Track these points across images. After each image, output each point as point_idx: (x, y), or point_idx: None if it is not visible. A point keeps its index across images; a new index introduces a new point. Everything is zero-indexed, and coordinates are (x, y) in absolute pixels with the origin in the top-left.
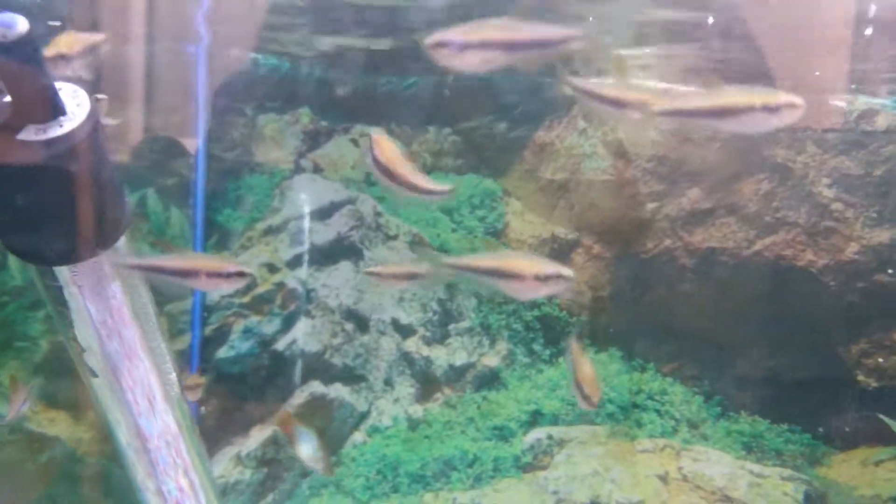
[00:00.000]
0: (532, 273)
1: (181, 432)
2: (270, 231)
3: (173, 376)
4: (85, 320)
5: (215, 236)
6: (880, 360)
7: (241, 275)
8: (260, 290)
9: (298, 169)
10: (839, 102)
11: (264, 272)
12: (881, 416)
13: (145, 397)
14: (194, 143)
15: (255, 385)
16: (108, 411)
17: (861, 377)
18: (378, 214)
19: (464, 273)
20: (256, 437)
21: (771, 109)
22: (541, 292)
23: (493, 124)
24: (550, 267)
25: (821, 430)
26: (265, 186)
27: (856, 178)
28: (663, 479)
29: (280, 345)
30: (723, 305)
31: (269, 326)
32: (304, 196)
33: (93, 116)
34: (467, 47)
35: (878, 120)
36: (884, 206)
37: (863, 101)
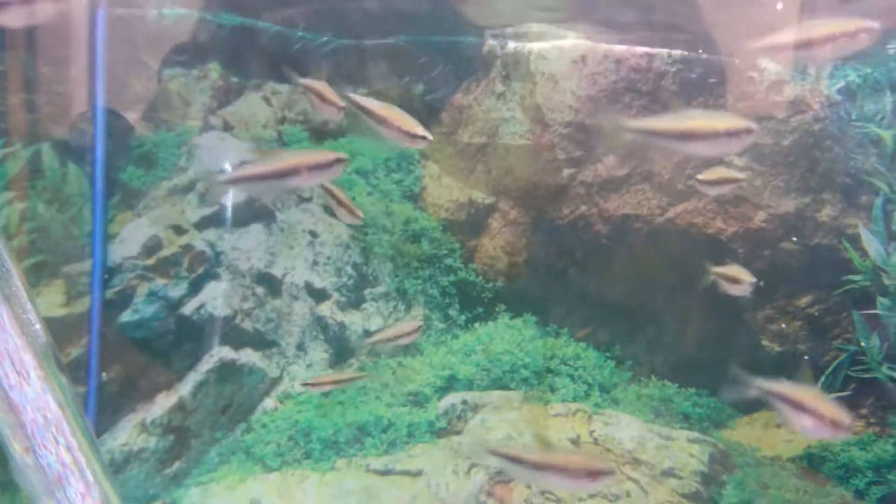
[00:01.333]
0: None
1: (63, 412)
2: (177, 191)
3: (45, 344)
4: None
5: (118, 195)
6: (784, 325)
7: (339, 161)
8: (165, 252)
9: (207, 126)
10: (751, 73)
11: (170, 234)
12: (784, 381)
13: (15, 370)
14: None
15: (161, 350)
16: None
17: (766, 342)
18: None
19: None
20: (162, 403)
21: (731, 134)
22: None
23: (410, 86)
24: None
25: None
26: (171, 144)
27: (765, 147)
28: (575, 442)
29: (187, 309)
30: (635, 272)
31: (176, 290)
32: (214, 155)
33: None
34: None
35: (787, 90)
36: (791, 176)
37: (773, 72)
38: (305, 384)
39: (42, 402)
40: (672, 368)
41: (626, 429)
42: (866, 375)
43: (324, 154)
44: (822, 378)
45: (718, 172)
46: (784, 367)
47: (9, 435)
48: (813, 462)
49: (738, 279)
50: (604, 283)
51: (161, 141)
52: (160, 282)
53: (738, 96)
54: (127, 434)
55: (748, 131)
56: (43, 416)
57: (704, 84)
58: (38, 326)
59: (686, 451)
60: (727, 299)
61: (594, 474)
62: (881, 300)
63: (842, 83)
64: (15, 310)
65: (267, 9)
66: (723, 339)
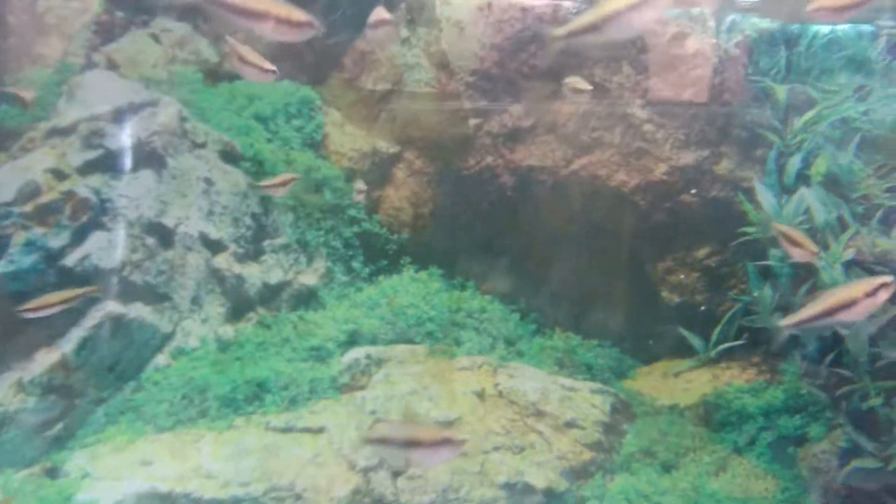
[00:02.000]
0: None
1: None
2: (57, 132)
3: None
4: None
5: None
6: (682, 276)
7: (310, 25)
8: (45, 198)
9: (90, 64)
10: (654, 26)
11: (50, 179)
12: (681, 330)
13: None
14: None
15: None
16: None
17: (665, 293)
18: (184, 119)
19: None
20: (41, 360)
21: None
22: None
23: None
24: None
25: (628, 344)
26: (50, 82)
27: (666, 100)
28: (480, 395)
29: (69, 260)
30: (541, 224)
31: (57, 239)
32: (98, 95)
33: None
34: None
35: (689, 43)
36: (690, 129)
37: (674, 24)
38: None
39: None
40: (575, 320)
41: (530, 381)
42: (759, 325)
43: (296, 12)
44: (718, 328)
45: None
46: (683, 317)
47: None
48: (708, 409)
49: (802, 244)
50: (509, 235)
51: (38, 78)
52: (39, 230)
53: (640, 48)
54: (2, 394)
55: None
56: None
57: None
58: None
59: (588, 401)
60: (628, 251)
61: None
62: (773, 251)
63: (740, 37)
64: None
65: None
66: (624, 290)
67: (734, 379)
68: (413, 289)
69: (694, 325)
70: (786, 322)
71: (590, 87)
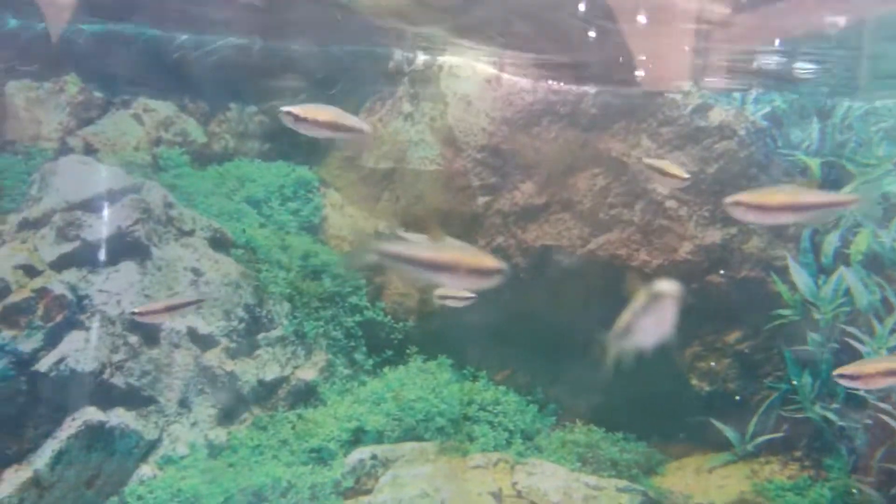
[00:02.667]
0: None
1: None
2: (28, 225)
3: None
4: None
5: None
6: (712, 363)
7: (500, 272)
8: (14, 298)
9: (65, 149)
10: (675, 95)
11: (20, 276)
12: (714, 422)
13: None
14: None
15: (10, 416)
16: None
17: (694, 381)
18: (169, 206)
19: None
20: (12, 480)
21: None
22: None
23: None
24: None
25: (656, 437)
26: (19, 170)
27: (690, 174)
28: (496, 496)
29: (43, 365)
30: (557, 308)
31: (28, 343)
32: (74, 182)
33: None
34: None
35: (712, 115)
36: (716, 205)
37: (697, 96)
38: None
39: None
40: (598, 412)
41: (551, 478)
42: (799, 415)
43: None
44: (754, 419)
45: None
46: (714, 408)
47: None
48: None
49: (671, 173)
50: (523, 320)
51: (7, 166)
52: (7, 333)
53: (661, 121)
54: None
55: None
56: None
57: (626, 107)
58: None
59: (615, 500)
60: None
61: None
62: (812, 336)
63: (768, 108)
64: None
65: (134, 11)
66: (649, 379)
67: (774, 475)
68: (421, 381)
69: (727, 416)
70: None
71: (686, 176)
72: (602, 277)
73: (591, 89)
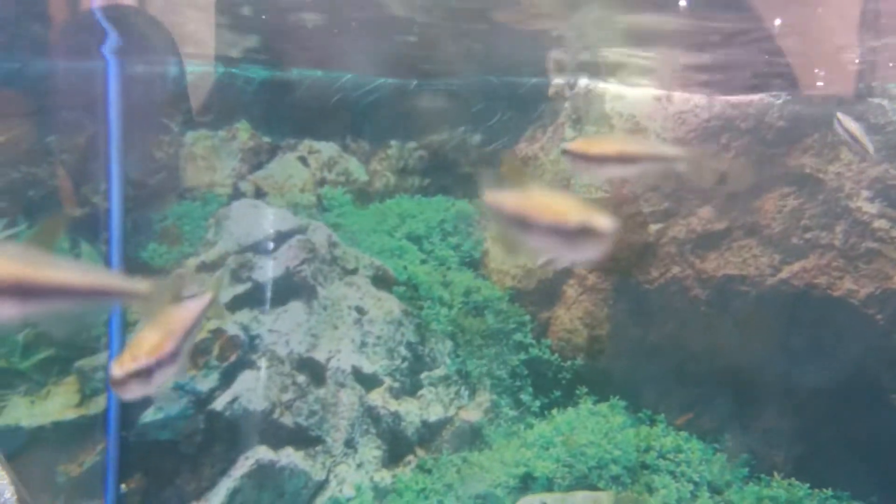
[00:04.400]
0: None
1: None
2: (205, 268)
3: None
4: None
5: (138, 277)
6: None
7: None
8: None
9: (237, 194)
10: (881, 100)
11: None
12: None
13: None
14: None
15: (189, 454)
16: None
17: None
18: (333, 245)
19: None
20: None
21: None
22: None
23: (466, 136)
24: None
25: (873, 497)
26: (197, 216)
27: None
28: None
29: (218, 404)
30: (745, 345)
31: (205, 382)
32: (245, 226)
33: None
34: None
35: None
36: None
37: None
38: None
39: None
40: (799, 463)
41: None
42: None
43: None
44: None
45: None
46: None
47: None
48: None
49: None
50: (705, 358)
51: (186, 213)
52: (187, 374)
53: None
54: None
55: None
56: None
57: (820, 116)
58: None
59: None
60: (864, 377)
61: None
62: None
63: None
64: None
65: (300, 58)
66: (863, 426)
67: None
68: (592, 424)
69: None
70: None
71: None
72: (797, 309)
73: (776, 99)
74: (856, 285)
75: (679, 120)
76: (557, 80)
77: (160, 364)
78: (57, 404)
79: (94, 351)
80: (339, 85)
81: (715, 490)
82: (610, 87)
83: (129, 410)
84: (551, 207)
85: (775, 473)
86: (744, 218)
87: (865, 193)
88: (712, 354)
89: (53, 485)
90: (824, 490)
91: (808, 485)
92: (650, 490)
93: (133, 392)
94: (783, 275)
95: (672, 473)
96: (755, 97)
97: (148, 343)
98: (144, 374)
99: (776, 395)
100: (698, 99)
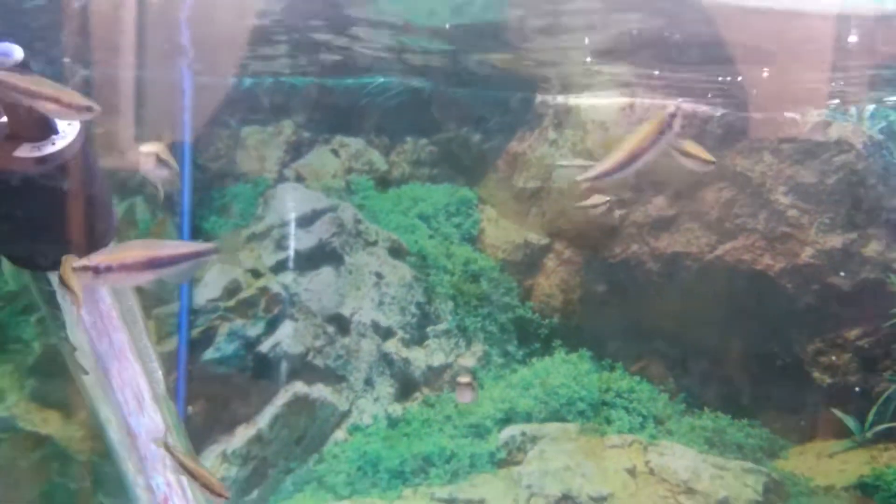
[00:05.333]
0: None
1: (169, 432)
2: (254, 238)
3: (159, 375)
4: (75, 321)
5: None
6: (833, 358)
7: (89, 109)
8: (244, 294)
9: (281, 178)
10: (793, 115)
11: (249, 277)
12: (835, 411)
13: (134, 397)
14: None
15: (240, 385)
16: (98, 409)
17: (816, 374)
18: (358, 221)
19: None
20: (242, 435)
21: None
22: None
23: (468, 135)
24: None
25: (779, 424)
26: (249, 195)
27: (810, 186)
28: (631, 472)
29: (264, 347)
30: (687, 307)
31: (254, 329)
32: (287, 204)
33: (82, 135)
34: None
35: (831, 131)
36: (836, 213)
37: (815, 114)
38: None
39: (155, 429)
40: (725, 400)
41: (680, 459)
42: None
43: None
44: (874, 409)
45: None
46: (835, 398)
47: (125, 457)
48: (866, 491)
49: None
50: (656, 318)
51: (240, 193)
52: (239, 322)
53: (781, 138)
54: (210, 463)
55: None
56: (154, 439)
57: (749, 127)
58: (152, 355)
59: (740, 480)
60: (776, 333)
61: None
62: None
63: (883, 123)
64: (135, 338)
65: (337, 68)
66: (774, 371)
67: (893, 461)
68: (564, 370)
69: (848, 406)
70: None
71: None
72: (728, 280)
73: (714, 112)
74: (773, 261)
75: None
76: (543, 98)
77: (109, 269)
78: None
79: (168, 302)
80: (368, 90)
81: (659, 421)
82: (584, 100)
83: (195, 349)
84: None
85: (705, 408)
86: (689, 206)
87: (782, 188)
88: (662, 315)
89: None
90: (742, 420)
91: (730, 416)
92: (608, 422)
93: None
94: (718, 252)
95: (626, 409)
96: (699, 108)
97: (117, 254)
98: (92, 271)
99: (710, 347)
100: (655, 110)
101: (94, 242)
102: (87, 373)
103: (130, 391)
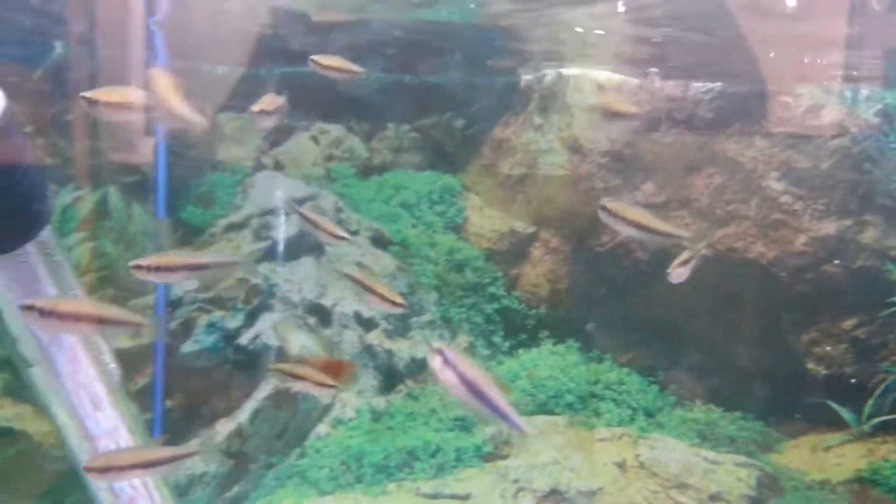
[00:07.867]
0: None
1: (133, 437)
2: (233, 227)
3: (116, 374)
4: (15, 311)
5: (179, 232)
6: (828, 348)
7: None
8: (223, 285)
9: (260, 166)
10: (786, 98)
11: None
12: (830, 403)
13: (90, 400)
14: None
15: (220, 379)
16: (54, 412)
17: (811, 365)
18: (339, 210)
19: None
20: (222, 429)
21: None
22: None
23: (451, 121)
24: None
25: (772, 417)
26: (227, 184)
27: (803, 171)
28: (621, 466)
29: (244, 339)
30: (676, 297)
31: (233, 321)
32: (266, 193)
33: (6, 115)
34: None
35: (825, 115)
36: (830, 199)
37: (809, 97)
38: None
39: (114, 430)
40: (716, 392)
41: (671, 452)
42: None
43: None
44: (871, 400)
45: None
46: (831, 390)
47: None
48: (863, 485)
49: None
50: (645, 308)
51: (217, 181)
52: (218, 313)
53: (774, 122)
54: (189, 459)
55: None
56: (115, 443)
57: (740, 110)
58: (108, 357)
59: (733, 474)
60: (770, 322)
61: None
62: None
63: (879, 106)
64: (87, 342)
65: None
66: (767, 362)
67: (891, 454)
68: (551, 361)
69: (844, 398)
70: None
71: (634, 110)
72: (719, 269)
73: (705, 95)
74: (765, 248)
75: None
76: (527, 76)
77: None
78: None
79: (144, 294)
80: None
81: (649, 414)
82: (570, 83)
83: (173, 342)
84: None
85: (697, 400)
86: (678, 193)
87: (774, 174)
88: (650, 305)
89: None
90: (735, 413)
91: (722, 409)
92: (597, 414)
93: None
94: (709, 240)
95: (615, 401)
96: (689, 91)
97: None
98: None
99: (700, 338)
100: (643, 94)
101: (25, 225)
102: (30, 365)
103: (86, 393)
